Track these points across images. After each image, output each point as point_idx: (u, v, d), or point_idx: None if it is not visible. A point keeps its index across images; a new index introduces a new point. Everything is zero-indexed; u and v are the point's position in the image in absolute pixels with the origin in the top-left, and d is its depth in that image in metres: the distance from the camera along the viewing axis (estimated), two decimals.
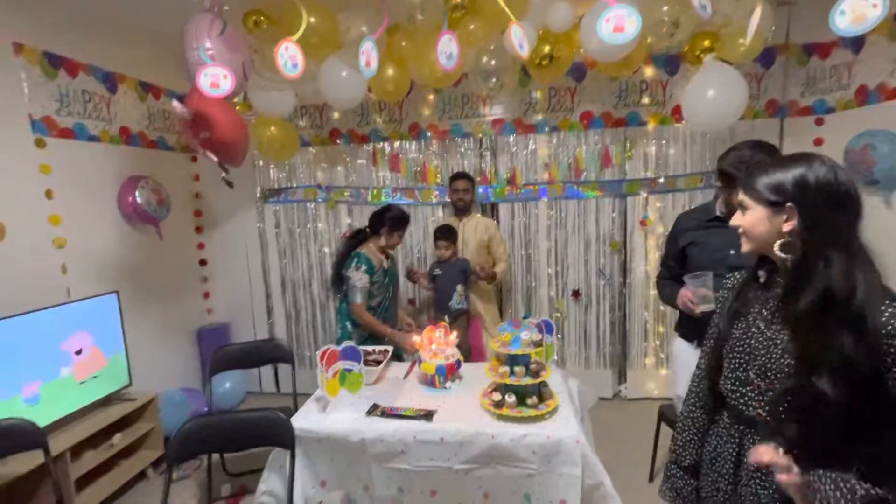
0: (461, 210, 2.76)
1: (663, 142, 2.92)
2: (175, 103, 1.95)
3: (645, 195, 2.97)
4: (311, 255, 3.32)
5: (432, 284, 2.61)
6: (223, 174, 2.17)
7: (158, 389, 2.58)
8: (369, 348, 2.08)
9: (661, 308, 3.04)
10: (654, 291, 3.03)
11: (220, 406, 3.09)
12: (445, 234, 2.56)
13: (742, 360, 1.02)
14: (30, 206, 2.21)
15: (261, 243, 3.36)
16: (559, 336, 3.14)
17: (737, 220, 1.03)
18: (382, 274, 2.25)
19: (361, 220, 3.23)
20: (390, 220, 2.23)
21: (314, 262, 3.33)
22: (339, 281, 2.24)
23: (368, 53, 1.86)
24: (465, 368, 1.96)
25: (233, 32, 1.88)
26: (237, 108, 2.93)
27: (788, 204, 0.94)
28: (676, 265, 1.75)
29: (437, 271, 2.57)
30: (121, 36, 2.57)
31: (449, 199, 2.86)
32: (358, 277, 2.15)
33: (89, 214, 2.46)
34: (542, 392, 1.67)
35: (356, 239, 2.30)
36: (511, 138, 3.04)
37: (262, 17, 2.12)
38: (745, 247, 1.02)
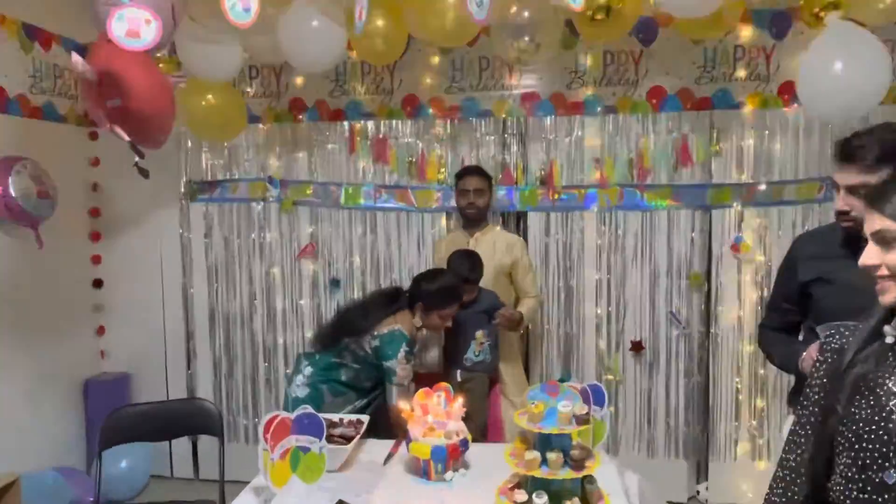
0: (472, 220, 2.77)
1: (765, 133, 2.94)
2: (75, 58, 1.93)
3: (738, 207, 2.98)
4: (256, 279, 3.34)
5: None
6: (136, 159, 2.18)
7: (22, 469, 2.54)
8: (335, 417, 2.06)
9: (763, 370, 3.01)
10: (751, 347, 3.00)
11: (112, 495, 3.03)
12: (468, 264, 2.48)
13: (874, 456, 0.98)
14: None
15: (183, 258, 3.38)
16: (612, 409, 3.12)
17: (873, 256, 1.01)
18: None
19: (330, 230, 3.25)
20: (431, 295, 2.27)
21: (259, 289, 3.34)
22: (337, 339, 2.26)
23: (362, 2, 1.89)
24: (475, 452, 1.92)
25: None
26: (161, 66, 2.98)
27: None
28: (793, 310, 1.74)
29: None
30: None
31: (455, 205, 2.88)
32: (407, 373, 2.19)
33: None
34: (586, 491, 1.63)
35: (392, 300, 2.32)
36: (548, 121, 3.07)
37: None
38: (889, 296, 1.01)
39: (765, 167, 2.96)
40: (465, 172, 2.79)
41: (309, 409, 1.69)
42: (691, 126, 2.98)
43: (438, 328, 2.35)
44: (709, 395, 3.07)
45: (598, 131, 3.04)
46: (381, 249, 3.23)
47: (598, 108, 3.02)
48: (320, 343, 2.33)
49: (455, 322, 2.43)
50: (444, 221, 3.18)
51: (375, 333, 2.23)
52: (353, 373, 2.27)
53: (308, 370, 2.31)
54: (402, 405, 1.97)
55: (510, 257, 2.72)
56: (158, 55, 2.91)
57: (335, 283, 3.26)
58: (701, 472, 3.12)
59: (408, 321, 2.27)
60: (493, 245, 2.73)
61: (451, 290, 2.31)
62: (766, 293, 2.97)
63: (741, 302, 3.01)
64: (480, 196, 2.73)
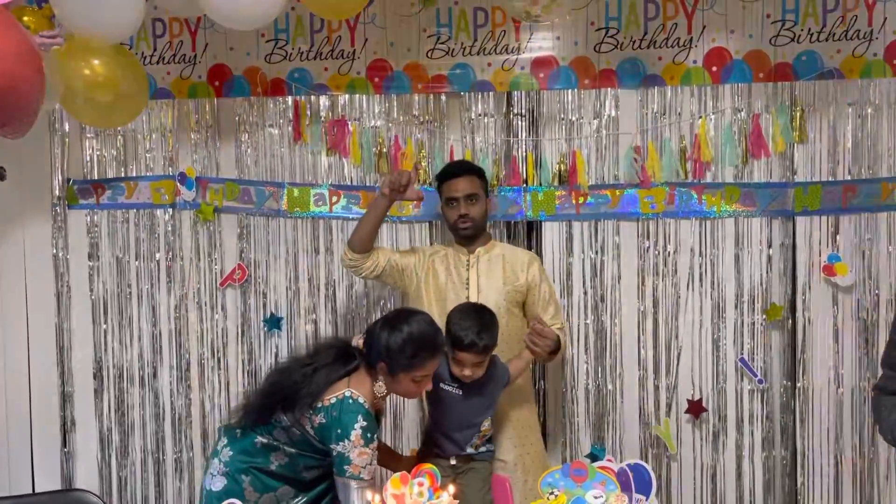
0: (468, 237, 2.76)
1: (868, 112, 2.96)
2: None
3: (833, 213, 2.99)
4: (162, 317, 3.30)
5: (430, 397, 2.54)
6: None
7: None
8: None
9: (874, 442, 2.99)
10: (853, 409, 3.00)
11: None
12: (475, 324, 2.39)
13: None
14: None
15: (57, 288, 3.34)
16: (662, 496, 3.08)
17: None
18: None
19: (267, 247, 3.22)
20: (396, 350, 2.19)
21: (167, 331, 3.30)
22: (266, 411, 2.23)
23: None
24: None
25: None
26: (26, 20, 2.94)
27: None
28: None
29: (448, 387, 2.48)
30: None
31: (442, 214, 2.85)
32: (367, 462, 2.13)
33: None
34: None
35: (344, 356, 2.29)
36: (569, 96, 3.07)
37: None
38: None
39: (869, 159, 2.97)
40: (448, 173, 2.79)
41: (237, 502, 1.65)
42: (766, 103, 2.99)
43: (413, 395, 2.31)
44: (797, 475, 3.05)
45: (636, 110, 3.05)
46: (339, 275, 3.21)
47: (638, 79, 3.03)
48: (245, 416, 2.29)
49: (451, 402, 2.39)
50: (426, 235, 3.17)
51: (319, 405, 2.18)
52: (287, 459, 2.24)
53: (227, 453, 2.28)
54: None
55: (524, 280, 2.72)
56: (25, 7, 2.88)
57: (274, 322, 3.23)
58: None
59: (366, 386, 2.23)
60: (500, 265, 2.73)
61: (424, 341, 2.22)
62: (873, 333, 2.97)
63: (839, 345, 3.01)
64: (474, 204, 2.73)
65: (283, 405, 2.21)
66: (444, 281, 2.75)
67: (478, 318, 2.42)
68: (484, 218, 2.79)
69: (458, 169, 2.79)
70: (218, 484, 2.24)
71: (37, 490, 3.25)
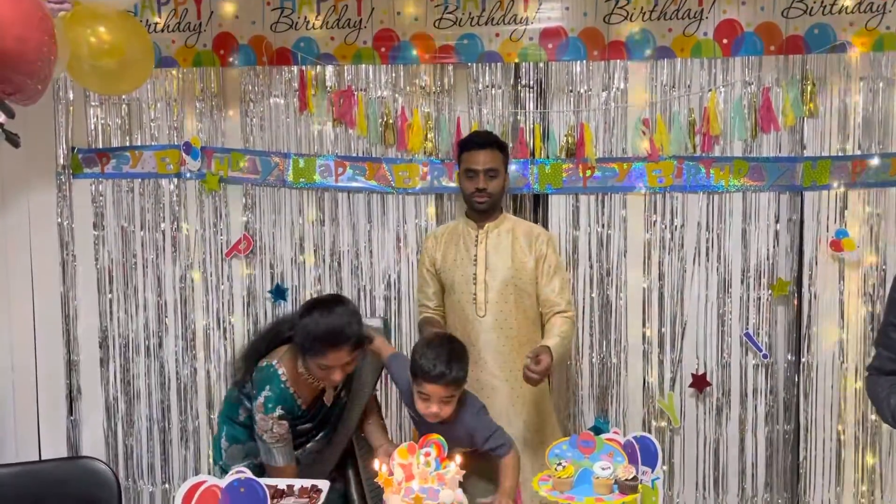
0: (482, 211, 2.73)
1: (880, 85, 2.95)
2: None
3: (841, 189, 2.99)
4: (167, 287, 3.31)
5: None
6: (1, 119, 2.18)
7: None
8: (283, 483, 2.09)
9: (875, 416, 3.02)
10: (857, 384, 3.02)
11: None
12: (442, 356, 2.17)
13: None
14: None
15: (63, 258, 3.35)
16: (667, 469, 3.10)
17: None
18: (314, 415, 2.31)
19: (273, 218, 3.23)
20: (302, 333, 2.19)
21: (172, 301, 3.32)
22: (244, 367, 2.32)
23: None
24: None
25: None
26: None
27: None
28: None
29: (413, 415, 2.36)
30: None
31: (458, 187, 2.83)
32: (267, 428, 2.20)
33: None
34: None
35: (279, 330, 2.32)
36: (577, 67, 3.06)
37: None
38: None
39: (879, 133, 2.96)
40: (470, 143, 2.72)
41: (246, 472, 1.68)
42: (776, 76, 2.98)
43: (326, 381, 2.24)
44: (799, 449, 3.07)
45: (646, 82, 3.04)
46: (344, 245, 3.21)
47: (648, 51, 3.01)
48: (234, 370, 2.37)
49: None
50: (432, 208, 3.17)
51: (259, 365, 2.27)
52: (248, 413, 2.31)
53: (219, 418, 2.42)
54: (286, 470, 2.16)
55: (533, 256, 2.68)
56: None
57: (279, 292, 3.24)
58: None
59: (291, 363, 2.25)
60: (510, 241, 2.70)
61: (327, 332, 2.15)
62: (878, 310, 2.98)
63: (844, 321, 3.02)
64: (493, 178, 2.68)
65: (251, 360, 2.29)
66: (453, 258, 2.73)
67: (447, 347, 2.23)
68: (501, 193, 2.74)
69: (482, 141, 2.71)
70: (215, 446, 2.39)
71: (43, 457, 3.29)
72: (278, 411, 2.18)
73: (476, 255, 2.70)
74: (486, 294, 2.65)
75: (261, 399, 2.19)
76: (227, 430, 2.36)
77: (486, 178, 2.66)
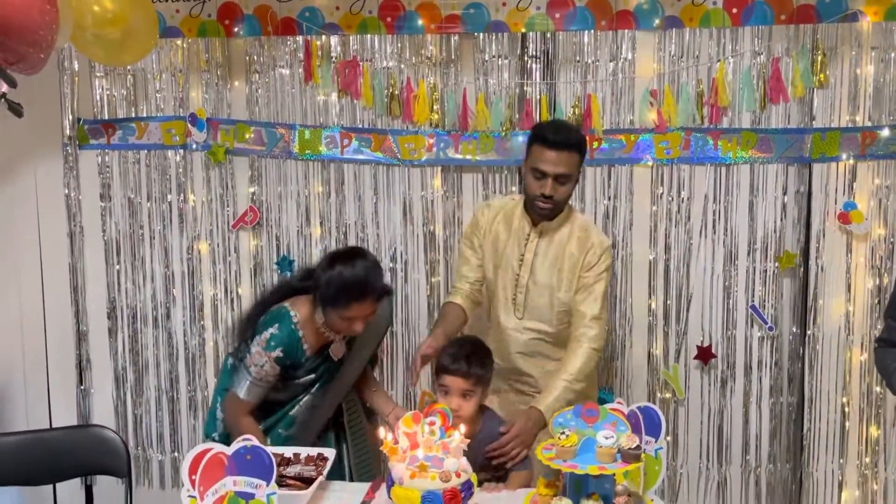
0: (543, 215, 2.48)
1: (892, 55, 2.92)
2: None
3: (850, 161, 2.97)
4: (174, 258, 3.32)
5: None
6: (4, 89, 2.17)
7: None
8: (289, 451, 2.12)
9: (880, 388, 3.03)
10: (864, 354, 3.02)
11: None
12: (468, 351, 2.25)
13: None
14: None
15: (70, 229, 3.36)
16: (670, 440, 3.12)
17: None
18: (314, 366, 2.34)
19: (279, 189, 3.24)
20: (324, 285, 2.23)
21: (180, 272, 3.33)
22: (244, 331, 2.34)
23: None
24: (484, 499, 1.96)
25: None
26: None
27: None
28: None
29: None
30: None
31: (522, 175, 2.69)
32: (260, 363, 2.24)
33: None
34: None
35: (302, 284, 2.35)
36: (585, 38, 3.04)
37: None
38: None
39: (890, 105, 2.94)
40: (545, 140, 2.36)
41: (252, 439, 1.69)
42: (786, 46, 2.95)
43: (346, 331, 2.29)
44: (804, 421, 3.09)
45: (654, 53, 3.02)
46: (350, 217, 3.22)
47: (656, 20, 2.99)
48: (238, 339, 2.38)
49: None
50: (438, 180, 3.17)
51: (270, 309, 2.30)
52: None
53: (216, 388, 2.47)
54: (243, 406, 2.21)
55: (579, 267, 2.45)
56: None
57: (286, 263, 3.25)
58: None
59: (306, 309, 2.29)
60: (561, 251, 2.47)
61: (352, 284, 2.21)
62: (886, 282, 2.98)
63: (851, 293, 3.02)
64: (563, 184, 2.38)
65: (249, 325, 2.32)
66: (502, 248, 2.54)
67: (470, 344, 2.31)
68: (568, 198, 2.48)
69: (561, 141, 2.35)
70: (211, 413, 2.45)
71: (54, 426, 3.33)
72: (277, 352, 2.22)
73: (523, 256, 2.51)
74: (525, 297, 2.51)
75: (266, 334, 2.23)
76: (223, 401, 2.38)
77: (555, 183, 2.37)
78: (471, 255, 2.61)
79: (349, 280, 2.21)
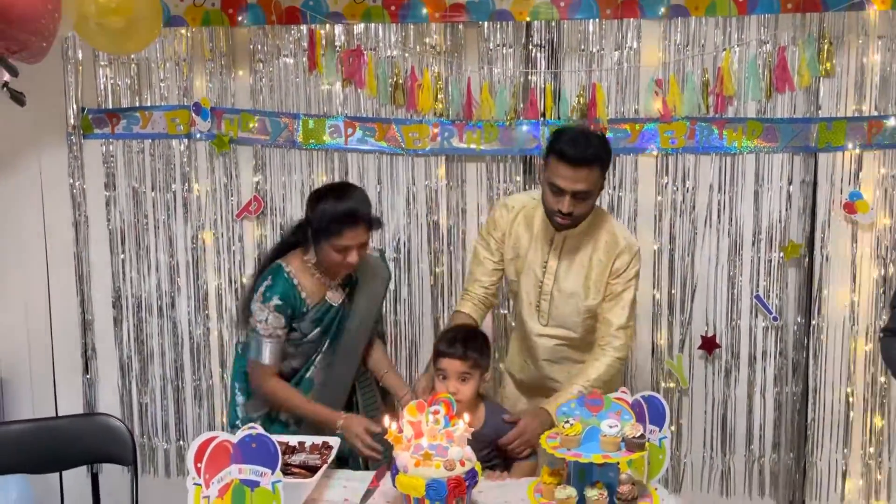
0: (563, 229, 2.34)
1: None
2: None
3: (856, 151, 2.96)
4: (179, 247, 3.33)
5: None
6: (6, 78, 2.16)
7: None
8: (295, 440, 2.11)
9: (884, 378, 3.03)
10: (869, 345, 3.02)
11: None
12: (465, 335, 2.26)
13: None
14: None
15: (75, 218, 3.37)
16: (674, 429, 3.12)
17: None
18: (318, 317, 2.34)
19: (283, 179, 3.24)
20: (318, 217, 2.26)
21: (184, 262, 3.34)
22: (247, 315, 2.35)
23: None
24: (487, 487, 1.95)
25: None
26: None
27: None
28: None
29: None
30: None
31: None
32: (262, 318, 2.25)
33: None
34: None
35: (292, 239, 2.39)
36: (590, 26, 3.03)
37: None
38: None
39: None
40: (565, 152, 2.18)
41: (257, 427, 1.70)
42: (792, 35, 2.94)
43: (340, 267, 2.31)
44: (807, 411, 3.09)
45: (659, 41, 3.01)
46: None
47: (661, 9, 2.97)
48: (241, 324, 2.41)
49: None
50: (442, 169, 3.16)
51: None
52: None
53: (233, 376, 2.49)
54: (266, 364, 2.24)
55: (606, 274, 2.34)
56: None
57: None
58: None
59: (297, 260, 2.34)
60: (587, 256, 2.36)
61: (342, 210, 2.24)
62: (891, 272, 2.97)
63: (856, 283, 3.03)
64: (583, 201, 2.23)
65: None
66: (524, 252, 2.43)
67: (466, 329, 2.33)
68: (590, 212, 2.32)
69: (579, 157, 2.17)
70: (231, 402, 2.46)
71: (60, 414, 3.34)
72: (275, 300, 2.25)
73: (546, 263, 2.40)
74: (550, 306, 2.42)
75: (261, 289, 2.28)
76: (240, 385, 2.41)
77: (573, 201, 2.20)
78: (486, 257, 2.50)
79: (341, 208, 2.25)
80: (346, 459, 2.32)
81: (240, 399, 2.42)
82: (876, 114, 2.94)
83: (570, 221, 2.26)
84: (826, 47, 2.92)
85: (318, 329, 2.35)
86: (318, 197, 2.32)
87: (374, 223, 2.32)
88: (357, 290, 2.45)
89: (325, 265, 2.32)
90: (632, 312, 2.38)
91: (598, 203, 2.41)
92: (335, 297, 2.38)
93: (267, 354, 2.28)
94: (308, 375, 2.37)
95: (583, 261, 2.37)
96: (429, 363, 2.46)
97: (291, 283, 2.29)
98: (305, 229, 2.32)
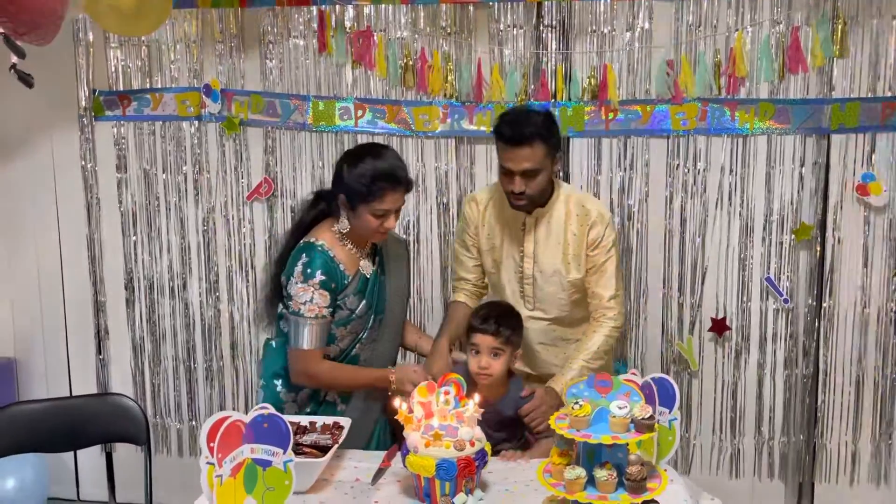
0: (522, 210, 2.40)
1: None
2: None
3: (870, 131, 2.94)
4: (190, 229, 3.34)
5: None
6: (13, 60, 2.15)
7: None
8: (306, 420, 2.13)
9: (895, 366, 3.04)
10: (880, 327, 3.02)
11: None
12: (498, 312, 2.31)
13: None
14: None
15: (87, 200, 3.38)
16: (683, 411, 3.13)
17: None
18: (360, 288, 2.28)
19: (293, 160, 3.24)
20: (353, 181, 2.18)
21: (195, 243, 3.35)
22: (274, 302, 2.32)
23: None
24: (497, 468, 1.97)
25: None
26: None
27: None
28: None
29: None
30: None
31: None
32: (306, 299, 2.17)
33: None
34: None
35: (312, 214, 2.34)
36: (601, 6, 3.01)
37: None
38: None
39: None
40: (504, 135, 2.26)
41: (269, 408, 1.70)
42: (805, 15, 2.91)
43: (374, 234, 2.24)
44: (818, 393, 3.09)
45: (671, 22, 2.99)
46: None
47: None
48: (265, 314, 2.38)
49: None
50: (452, 151, 3.15)
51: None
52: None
53: (262, 363, 2.45)
54: (310, 349, 2.15)
55: (584, 243, 2.38)
56: None
57: None
58: (804, 497, 3.16)
59: (327, 233, 2.25)
60: (561, 231, 2.40)
61: (384, 170, 2.17)
62: None
63: (868, 266, 3.01)
64: (533, 178, 2.26)
65: (275, 300, 2.32)
66: (500, 242, 2.48)
67: (500, 305, 2.37)
68: (545, 188, 2.36)
69: (517, 136, 2.23)
70: (259, 397, 2.39)
71: (74, 394, 3.37)
72: (319, 276, 2.17)
73: (523, 249, 2.44)
74: (534, 289, 2.46)
75: (298, 268, 2.18)
76: (284, 382, 2.33)
77: (523, 179, 2.26)
78: (466, 257, 2.57)
79: (381, 168, 2.18)
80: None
81: (277, 386, 2.34)
82: (890, 95, 2.91)
83: (526, 201, 2.32)
84: (840, 27, 2.89)
85: (363, 303, 2.28)
86: (353, 159, 2.21)
87: (410, 185, 2.26)
88: (385, 259, 2.39)
89: (357, 233, 2.24)
90: (619, 281, 2.44)
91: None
92: (367, 268, 2.31)
93: (312, 338, 2.18)
94: (353, 352, 2.32)
95: (558, 238, 2.41)
96: (436, 339, 2.48)
97: (329, 256, 2.20)
98: (331, 198, 2.26)
